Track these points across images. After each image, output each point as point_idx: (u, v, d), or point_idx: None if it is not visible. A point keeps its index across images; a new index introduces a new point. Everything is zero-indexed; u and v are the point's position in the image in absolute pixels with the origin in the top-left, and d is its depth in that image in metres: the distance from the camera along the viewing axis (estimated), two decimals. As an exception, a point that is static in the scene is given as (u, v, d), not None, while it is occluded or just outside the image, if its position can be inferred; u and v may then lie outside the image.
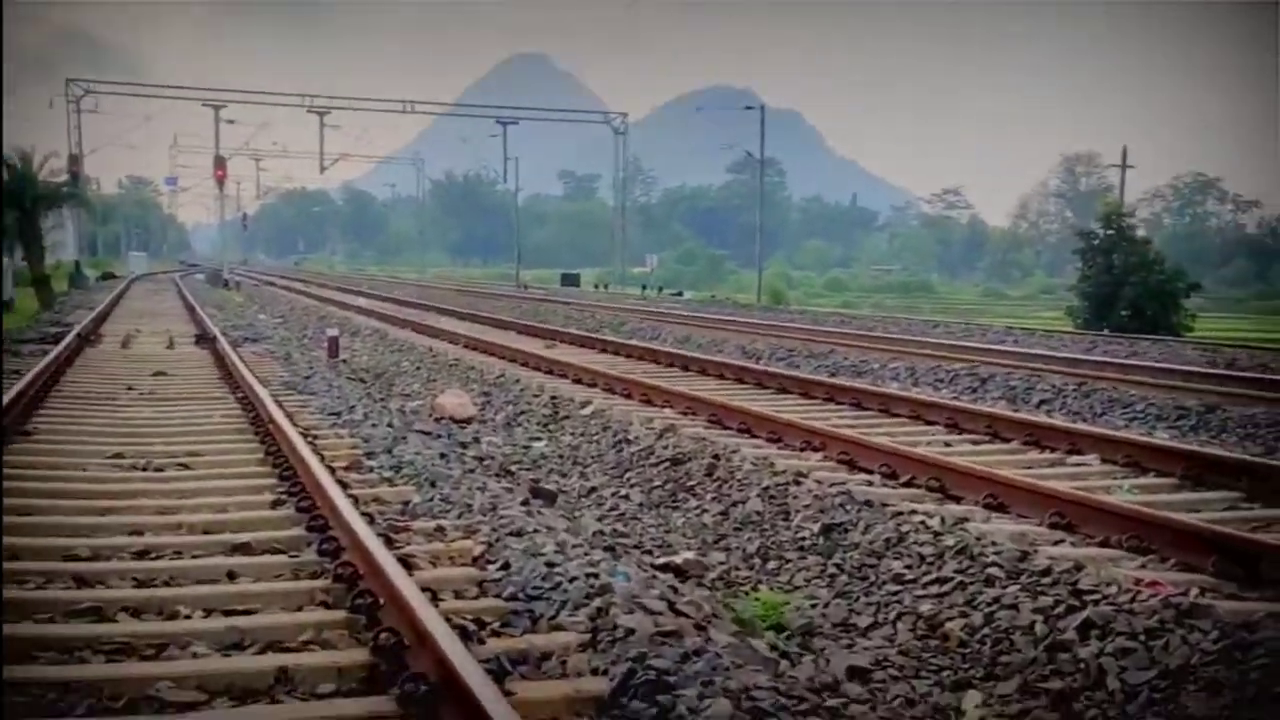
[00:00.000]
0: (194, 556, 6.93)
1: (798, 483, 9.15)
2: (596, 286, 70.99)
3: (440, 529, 7.46)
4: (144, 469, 9.46)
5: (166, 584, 6.30)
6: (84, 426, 11.29)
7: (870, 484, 9.10)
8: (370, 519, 7.27)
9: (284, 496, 8.31)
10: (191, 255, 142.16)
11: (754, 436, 11.34)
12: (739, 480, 9.63)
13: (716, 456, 10.35)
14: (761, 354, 20.87)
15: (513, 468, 11.47)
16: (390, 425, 11.72)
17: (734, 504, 9.25)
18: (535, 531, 7.23)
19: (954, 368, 17.13)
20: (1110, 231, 43.01)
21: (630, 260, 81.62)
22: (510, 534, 7.17)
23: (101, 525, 7.53)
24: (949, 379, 16.48)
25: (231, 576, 6.52)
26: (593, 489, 10.69)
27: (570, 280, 73.77)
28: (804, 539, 8.22)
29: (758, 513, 8.88)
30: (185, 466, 9.62)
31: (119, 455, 9.89)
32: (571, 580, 6.02)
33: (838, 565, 7.67)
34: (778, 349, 21.34)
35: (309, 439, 9.92)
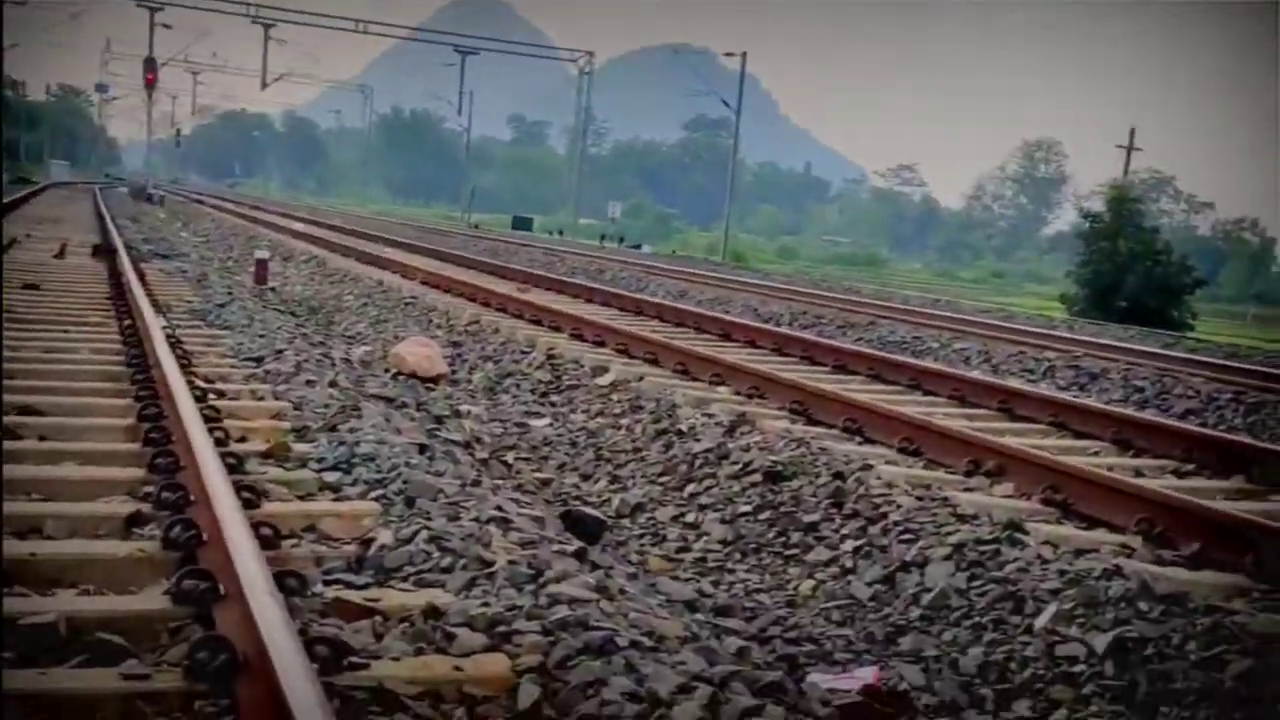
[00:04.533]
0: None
1: (1013, 540, 5.56)
2: (550, 233, 66.96)
3: (435, 617, 3.79)
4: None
5: None
6: None
7: (1130, 554, 5.52)
8: (296, 586, 3.74)
9: (147, 509, 4.67)
10: (121, 170, 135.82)
11: (874, 443, 7.73)
12: (896, 522, 6.01)
13: (839, 475, 6.73)
14: (779, 317, 17.23)
15: (509, 456, 7.87)
16: (334, 385, 7.95)
17: (901, 566, 5.62)
18: (630, 646, 3.57)
19: (1046, 356, 13.52)
20: (1119, 215, 39.71)
21: (581, 210, 77.49)
22: (579, 645, 3.52)
23: None
24: (1044, 371, 12.90)
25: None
26: (638, 507, 7.07)
27: (523, 224, 69.61)
28: (1076, 660, 4.61)
29: (957, 591, 5.26)
30: (9, 433, 5.89)
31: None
32: None
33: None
34: (796, 314, 17.71)
35: (206, 399, 6.32)
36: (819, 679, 4.44)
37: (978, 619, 5.03)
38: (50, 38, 62.05)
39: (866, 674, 4.57)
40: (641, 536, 6.55)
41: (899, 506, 6.14)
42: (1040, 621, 4.84)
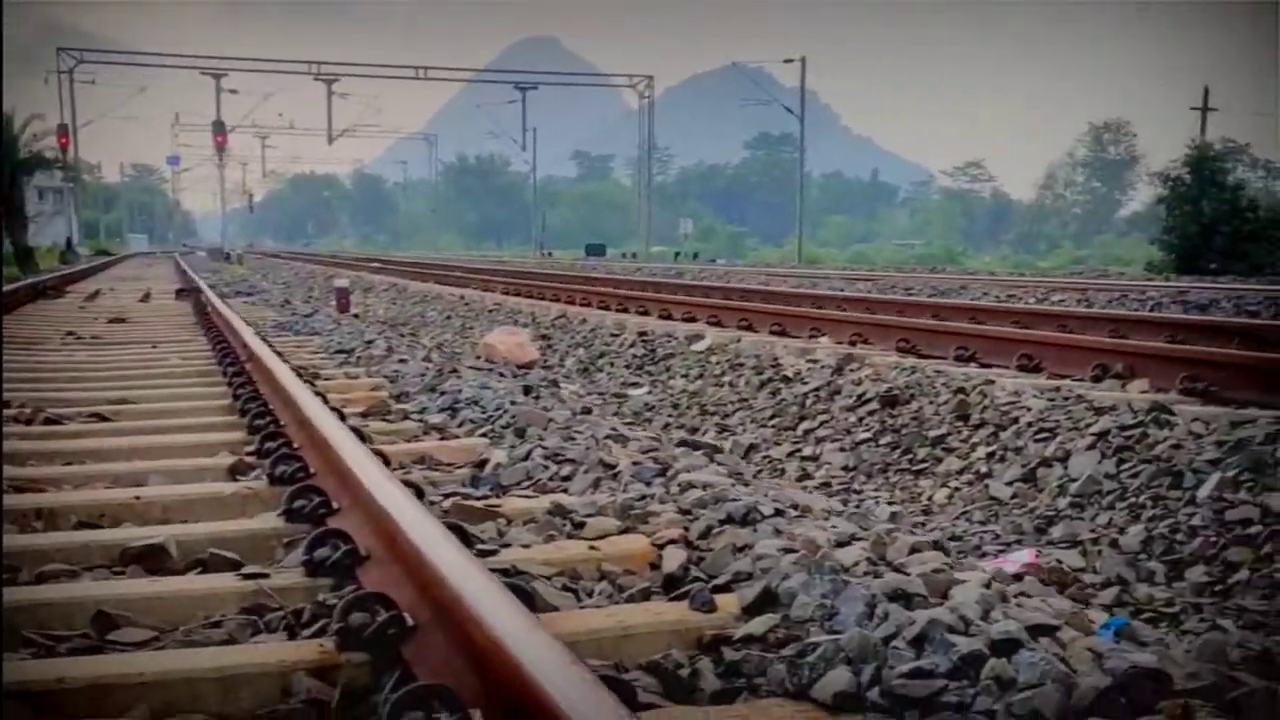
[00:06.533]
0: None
1: (1160, 421, 5.23)
2: (624, 255, 66.99)
3: (562, 514, 3.57)
4: (27, 423, 5.60)
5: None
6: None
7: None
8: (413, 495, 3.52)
9: (250, 460, 4.49)
10: (198, 241, 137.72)
11: (990, 367, 7.42)
12: (1029, 423, 5.68)
13: (961, 390, 6.42)
14: (868, 291, 16.93)
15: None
16: (428, 360, 7.79)
17: (1041, 463, 5.30)
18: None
19: (1149, 296, 13.11)
20: (1201, 176, 38.67)
21: (651, 237, 77.29)
22: (720, 517, 3.28)
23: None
24: (1151, 307, 12.50)
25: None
26: (752, 447, 6.82)
27: (596, 250, 69.76)
28: (1250, 522, 4.28)
29: (1107, 476, 4.94)
30: (100, 418, 5.77)
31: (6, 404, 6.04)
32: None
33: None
34: (885, 288, 17.43)
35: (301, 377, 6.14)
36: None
37: (1133, 499, 4.71)
38: (120, 113, 62.95)
39: (1023, 556, 4.28)
40: (759, 473, 6.28)
41: (1029, 409, 5.83)
42: (1204, 491, 4.51)
